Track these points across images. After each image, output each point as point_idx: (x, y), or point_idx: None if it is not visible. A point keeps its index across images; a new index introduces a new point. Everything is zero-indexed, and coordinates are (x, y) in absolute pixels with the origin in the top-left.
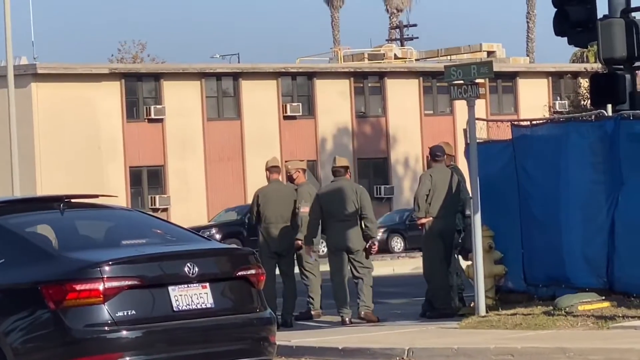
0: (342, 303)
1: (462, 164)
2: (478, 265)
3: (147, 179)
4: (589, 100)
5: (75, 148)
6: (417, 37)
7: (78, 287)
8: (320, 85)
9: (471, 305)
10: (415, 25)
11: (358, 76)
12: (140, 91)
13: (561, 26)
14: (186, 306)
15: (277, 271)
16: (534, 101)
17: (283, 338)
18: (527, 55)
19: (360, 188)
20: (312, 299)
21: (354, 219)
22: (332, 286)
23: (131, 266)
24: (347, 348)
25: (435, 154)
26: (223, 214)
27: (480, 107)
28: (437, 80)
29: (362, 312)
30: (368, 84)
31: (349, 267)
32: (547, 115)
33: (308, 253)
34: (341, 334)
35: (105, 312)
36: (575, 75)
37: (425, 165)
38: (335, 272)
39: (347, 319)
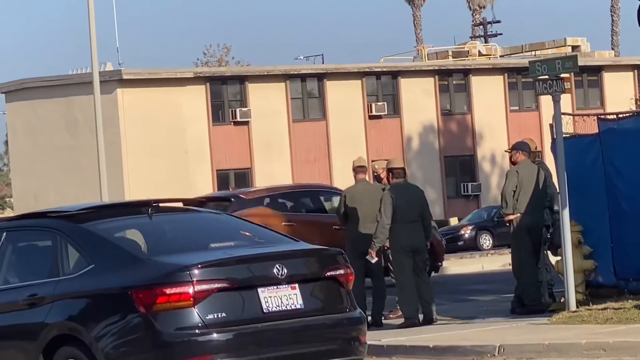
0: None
1: (549, 159)
2: (567, 261)
3: (235, 182)
4: None
5: (162, 152)
6: (501, 34)
7: (168, 291)
8: (404, 84)
9: (561, 300)
10: (498, 21)
11: (442, 74)
12: (226, 94)
13: None
14: (276, 307)
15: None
16: (620, 94)
17: (373, 337)
18: (612, 49)
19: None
20: None
21: (420, 219)
22: (399, 286)
23: (220, 269)
24: (438, 346)
25: (522, 150)
26: None
27: (566, 101)
28: (522, 76)
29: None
30: (453, 81)
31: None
32: (633, 108)
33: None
34: (431, 332)
35: (195, 315)
36: None
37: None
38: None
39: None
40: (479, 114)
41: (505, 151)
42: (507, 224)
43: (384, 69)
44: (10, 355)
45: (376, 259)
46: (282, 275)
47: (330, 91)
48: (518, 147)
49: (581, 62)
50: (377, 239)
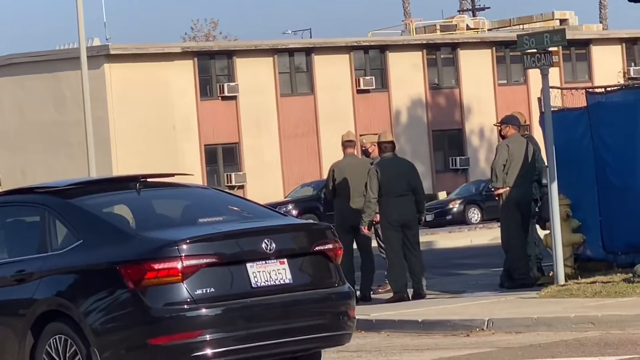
0: (408, 277)
1: (537, 133)
2: (556, 234)
3: (223, 157)
4: None
5: (149, 128)
6: (489, 7)
7: (156, 266)
8: (392, 58)
9: (550, 274)
10: None
11: (431, 48)
12: (213, 69)
13: None
14: (264, 282)
15: (355, 245)
16: (608, 68)
17: (362, 312)
18: (600, 22)
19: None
20: None
21: (410, 193)
22: (388, 261)
23: (209, 244)
24: (427, 320)
25: (512, 124)
26: (299, 190)
27: (554, 75)
28: (510, 49)
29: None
30: (441, 55)
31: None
32: (621, 81)
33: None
34: (420, 307)
35: (184, 290)
36: None
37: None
38: (393, 246)
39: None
40: (467, 88)
41: (495, 125)
42: (497, 198)
43: (372, 43)
44: None
45: (370, 232)
46: (270, 250)
47: (318, 66)
48: (508, 121)
49: (569, 35)
50: (364, 214)
